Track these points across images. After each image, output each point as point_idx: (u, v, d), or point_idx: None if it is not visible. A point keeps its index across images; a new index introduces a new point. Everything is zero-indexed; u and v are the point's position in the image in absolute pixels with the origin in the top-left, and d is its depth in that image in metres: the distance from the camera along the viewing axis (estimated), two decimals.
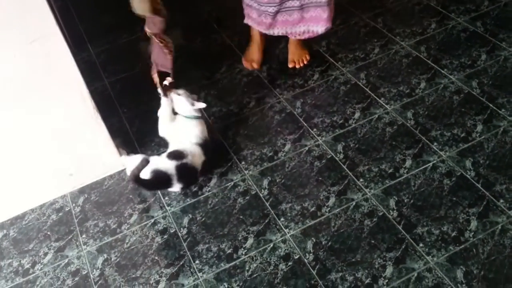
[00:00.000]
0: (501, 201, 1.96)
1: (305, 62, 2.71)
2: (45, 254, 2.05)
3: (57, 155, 2.16)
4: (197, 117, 2.20)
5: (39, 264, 2.01)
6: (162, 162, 2.07)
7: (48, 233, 2.12)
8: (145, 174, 2.00)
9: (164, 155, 2.12)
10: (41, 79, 1.93)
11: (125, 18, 3.29)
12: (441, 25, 2.81)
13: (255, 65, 2.73)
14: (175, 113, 2.22)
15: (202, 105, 2.19)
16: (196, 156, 2.12)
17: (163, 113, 2.22)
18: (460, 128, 2.25)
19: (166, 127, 2.21)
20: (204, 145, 2.17)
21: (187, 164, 2.07)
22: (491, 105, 2.32)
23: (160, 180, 2.05)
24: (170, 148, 2.16)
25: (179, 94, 2.18)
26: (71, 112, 2.06)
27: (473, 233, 1.88)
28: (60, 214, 2.19)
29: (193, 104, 2.17)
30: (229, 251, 1.95)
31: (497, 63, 2.53)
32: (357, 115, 2.39)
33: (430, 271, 1.80)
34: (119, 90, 2.78)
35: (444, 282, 1.76)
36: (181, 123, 2.19)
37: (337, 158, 2.22)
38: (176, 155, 2.08)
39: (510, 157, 2.11)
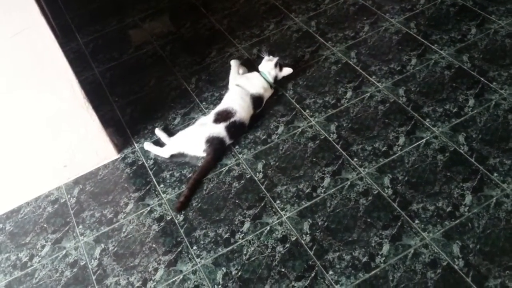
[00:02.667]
0: (495, 174, 1.97)
1: None
2: (43, 246, 2.05)
3: (49, 147, 2.15)
4: (270, 84, 2.43)
5: (37, 257, 2.02)
6: (211, 128, 2.23)
7: (45, 225, 2.12)
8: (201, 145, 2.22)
9: (211, 118, 2.27)
10: (29, 71, 1.91)
11: (112, 6, 3.29)
12: (430, 0, 2.79)
13: None
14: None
15: (290, 70, 2.46)
16: (244, 110, 2.29)
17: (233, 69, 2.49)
18: (452, 103, 2.25)
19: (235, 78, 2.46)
20: (256, 99, 2.35)
21: (235, 121, 2.25)
22: (482, 79, 2.32)
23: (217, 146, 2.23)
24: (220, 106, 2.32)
25: (270, 60, 2.45)
26: (62, 103, 2.05)
27: (468, 207, 1.89)
28: (56, 206, 2.18)
29: (281, 69, 2.45)
30: (226, 235, 1.96)
31: (487, 37, 2.52)
32: (349, 94, 2.39)
33: (426, 247, 1.81)
34: (109, 78, 2.76)
35: (441, 257, 1.77)
36: (251, 75, 2.44)
37: (330, 139, 2.22)
38: (224, 116, 2.25)
39: (502, 131, 2.11)
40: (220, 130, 2.22)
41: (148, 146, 2.32)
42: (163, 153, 2.28)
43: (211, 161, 2.20)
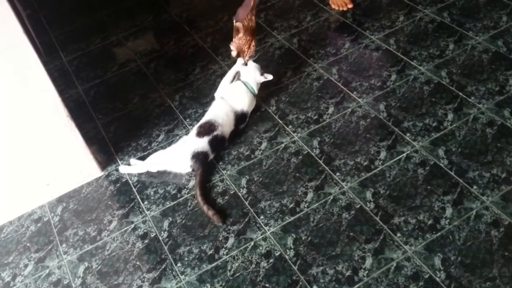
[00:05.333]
0: (475, 187, 2.01)
1: (345, 8, 2.97)
2: (25, 266, 2.04)
3: (32, 165, 2.14)
4: (254, 92, 2.41)
5: (20, 276, 2.00)
6: (195, 143, 2.22)
7: (28, 244, 2.11)
8: (186, 161, 2.21)
9: (194, 132, 2.26)
10: (11, 90, 1.91)
11: (96, 24, 3.31)
12: (409, 17, 2.86)
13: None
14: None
15: (270, 77, 2.41)
16: (226, 125, 2.30)
17: (229, 73, 2.46)
18: (431, 117, 2.29)
19: (225, 87, 2.43)
20: (240, 117, 2.35)
21: (217, 135, 2.25)
22: (460, 94, 2.37)
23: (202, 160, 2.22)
24: (203, 119, 2.33)
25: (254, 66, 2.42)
26: (44, 122, 2.05)
27: (448, 220, 1.92)
28: (39, 224, 2.17)
29: (262, 74, 2.40)
30: (211, 252, 1.96)
31: (464, 52, 2.58)
32: (331, 110, 2.42)
33: (408, 260, 1.83)
34: (93, 96, 2.77)
35: (423, 270, 1.79)
36: (237, 87, 2.39)
37: (313, 154, 2.24)
38: (207, 130, 2.25)
39: (481, 144, 2.15)
40: (203, 144, 2.22)
41: (123, 169, 2.31)
42: (140, 169, 2.28)
43: (203, 175, 2.21)
